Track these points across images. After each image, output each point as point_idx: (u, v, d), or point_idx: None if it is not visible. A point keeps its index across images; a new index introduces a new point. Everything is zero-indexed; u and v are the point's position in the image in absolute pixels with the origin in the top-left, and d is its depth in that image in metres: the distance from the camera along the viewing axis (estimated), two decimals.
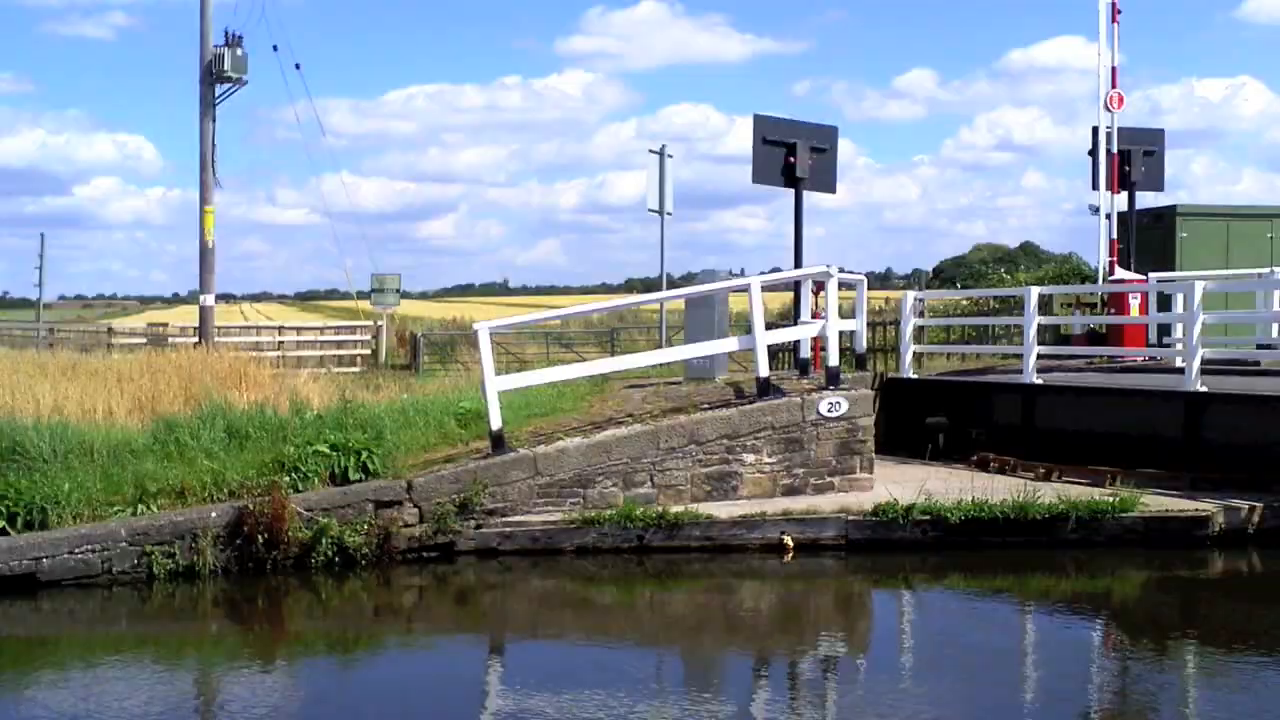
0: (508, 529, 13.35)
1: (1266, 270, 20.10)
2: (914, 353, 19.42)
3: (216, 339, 27.49)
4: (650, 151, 21.86)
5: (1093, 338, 20.33)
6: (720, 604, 12.20)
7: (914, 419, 18.23)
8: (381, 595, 12.41)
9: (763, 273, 22.63)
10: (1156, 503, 13.76)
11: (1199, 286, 15.67)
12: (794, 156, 18.80)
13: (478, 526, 13.30)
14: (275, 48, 30.33)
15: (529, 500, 13.61)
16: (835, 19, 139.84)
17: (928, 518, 13.38)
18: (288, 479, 12.91)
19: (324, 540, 12.55)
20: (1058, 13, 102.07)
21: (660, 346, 21.79)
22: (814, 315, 17.04)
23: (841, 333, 16.75)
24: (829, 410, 14.61)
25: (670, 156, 21.76)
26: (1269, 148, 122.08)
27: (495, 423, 13.86)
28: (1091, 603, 12.28)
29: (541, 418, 15.24)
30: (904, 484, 14.49)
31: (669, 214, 21.91)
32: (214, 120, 27.81)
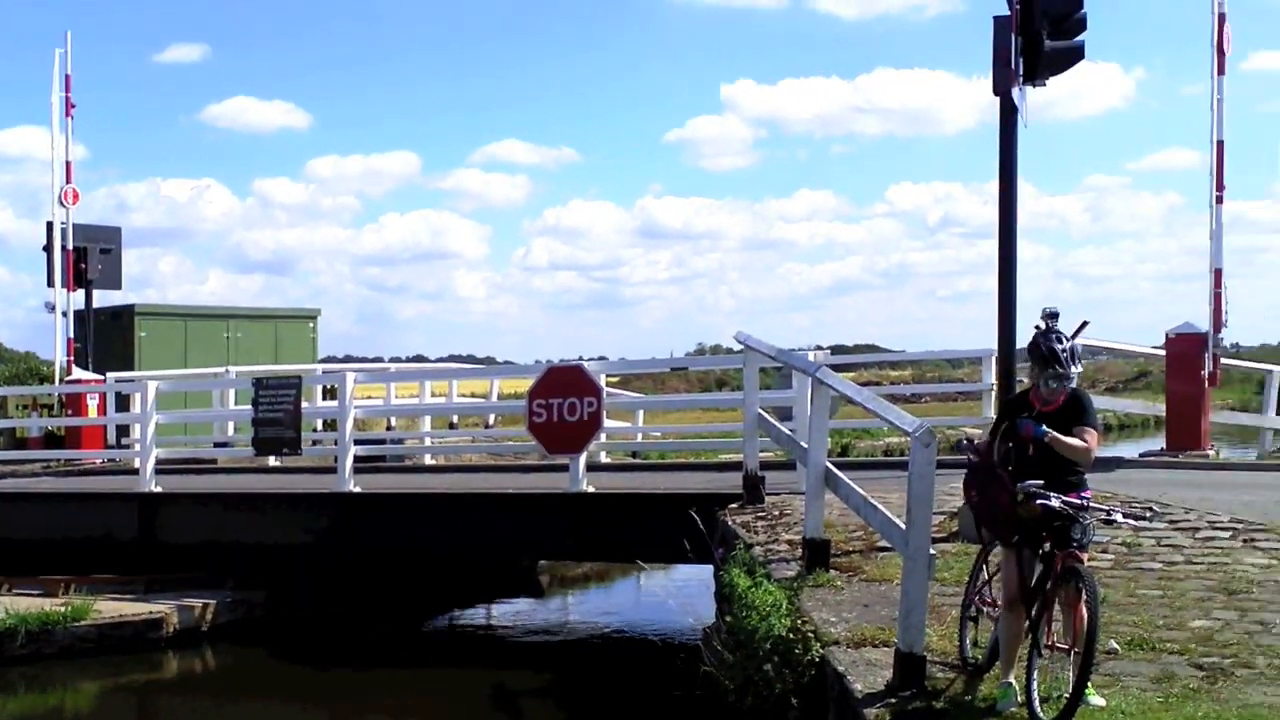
0: None
1: (223, 369, 20.79)
2: None
3: None
4: None
5: (50, 440, 19.69)
6: None
7: None
8: None
9: None
10: (111, 608, 13.56)
11: (152, 386, 15.84)
12: None
13: None
14: None
15: None
16: None
17: None
18: None
19: None
20: (17, 100, 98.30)
21: None
22: None
23: None
24: None
25: None
26: (233, 249, 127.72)
27: None
28: (45, 718, 11.75)
29: None
30: None
31: None
32: None
